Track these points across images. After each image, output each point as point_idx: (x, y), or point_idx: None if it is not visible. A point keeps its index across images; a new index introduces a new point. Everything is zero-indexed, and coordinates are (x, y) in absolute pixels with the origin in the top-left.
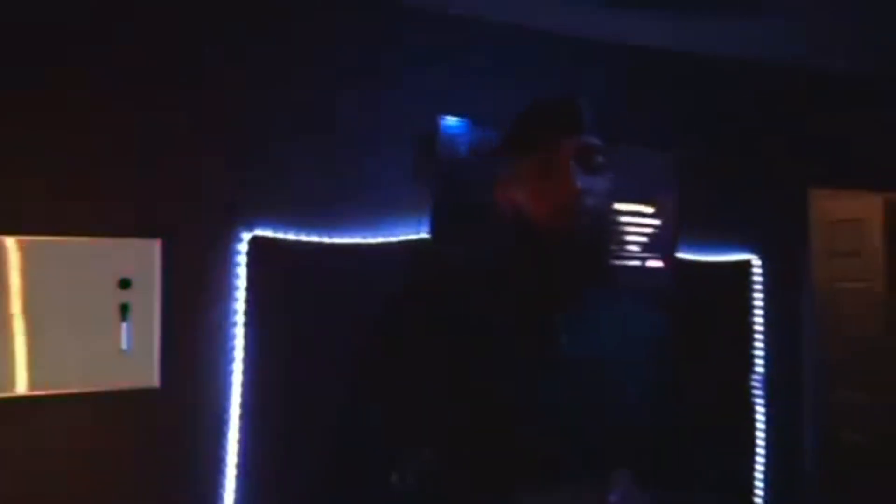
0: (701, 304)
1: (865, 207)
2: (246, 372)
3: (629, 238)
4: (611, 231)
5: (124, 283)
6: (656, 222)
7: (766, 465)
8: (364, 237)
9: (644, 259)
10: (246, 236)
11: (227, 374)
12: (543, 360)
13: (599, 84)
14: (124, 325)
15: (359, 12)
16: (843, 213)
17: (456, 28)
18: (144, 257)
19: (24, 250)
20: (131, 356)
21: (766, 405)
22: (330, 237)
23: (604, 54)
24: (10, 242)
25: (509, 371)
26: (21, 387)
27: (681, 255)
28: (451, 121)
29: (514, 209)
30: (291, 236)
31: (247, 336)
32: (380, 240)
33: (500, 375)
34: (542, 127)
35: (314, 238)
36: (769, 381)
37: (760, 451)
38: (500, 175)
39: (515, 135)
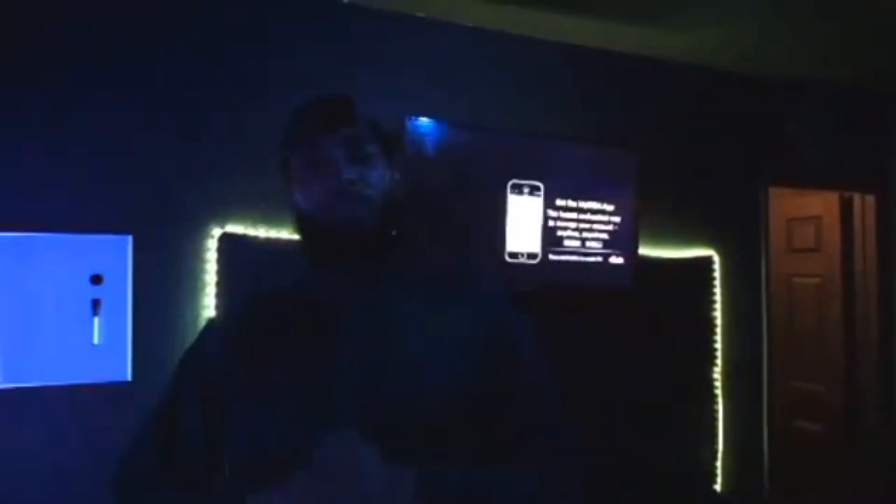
0: (662, 300)
1: (823, 204)
2: None
3: (590, 235)
4: (399, 219)
5: (96, 279)
6: (616, 220)
7: (725, 454)
8: None
9: (605, 256)
10: (216, 232)
11: None
12: (336, 364)
13: (561, 84)
14: (96, 319)
15: (326, 13)
16: (802, 210)
17: (424, 30)
18: (116, 253)
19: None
20: (103, 350)
21: (725, 396)
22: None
23: (566, 56)
24: None
25: (297, 383)
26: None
27: (641, 252)
28: (418, 120)
29: (295, 205)
30: (261, 232)
31: None
32: None
33: (286, 390)
34: (313, 123)
35: (284, 234)
36: (728, 372)
37: (720, 440)
38: (287, 174)
39: (290, 133)
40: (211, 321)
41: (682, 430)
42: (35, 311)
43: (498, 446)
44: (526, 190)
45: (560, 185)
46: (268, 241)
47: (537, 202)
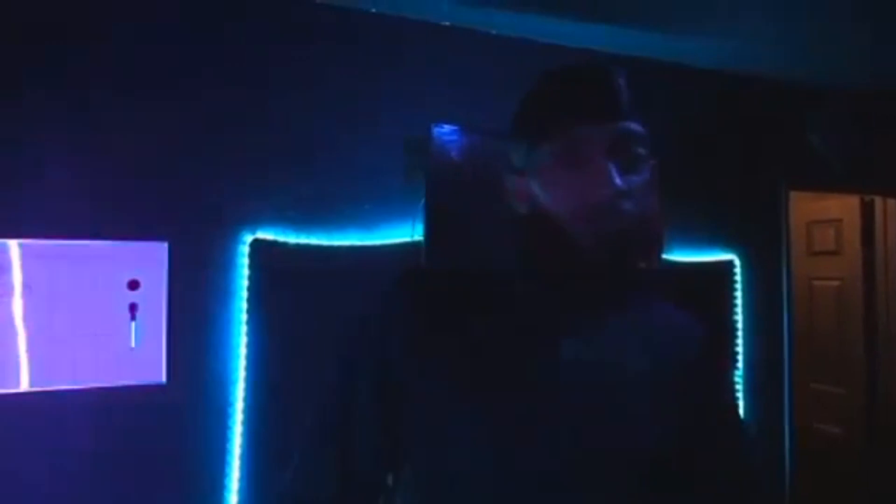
0: (685, 303)
1: (843, 207)
2: (249, 369)
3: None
4: (654, 238)
5: (133, 284)
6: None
7: None
8: (360, 240)
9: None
10: (248, 239)
11: (231, 371)
12: (550, 378)
13: None
14: (133, 324)
15: (356, 22)
16: (822, 213)
17: (448, 38)
18: (152, 259)
19: (41, 252)
20: (140, 354)
21: (747, 399)
22: (328, 240)
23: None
24: (26, 245)
25: (510, 388)
26: (32, 382)
27: (665, 256)
28: (443, 127)
29: (532, 205)
30: (291, 239)
31: (249, 334)
32: (375, 242)
33: (500, 392)
34: (565, 106)
35: (313, 241)
36: (750, 376)
37: None
38: (511, 163)
39: (531, 114)
40: (387, 309)
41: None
42: (76, 315)
43: None
44: None
45: None
46: (297, 247)
47: None
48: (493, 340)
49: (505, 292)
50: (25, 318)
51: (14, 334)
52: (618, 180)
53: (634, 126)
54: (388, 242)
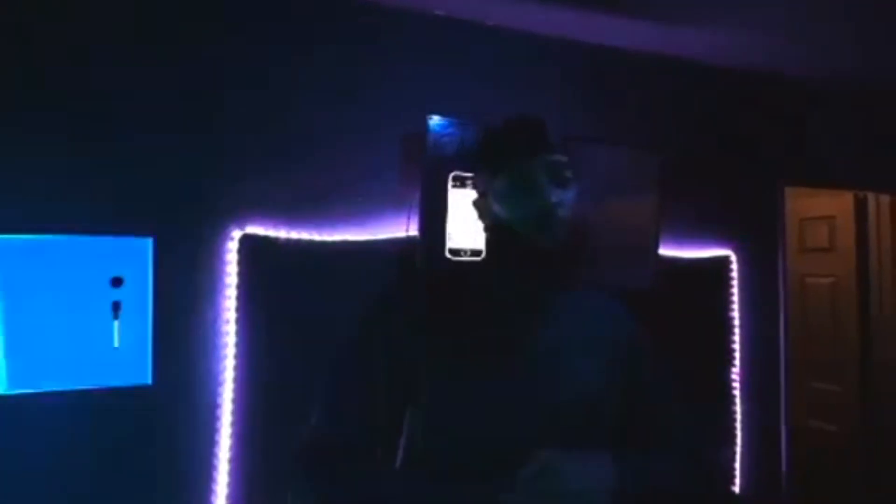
0: (682, 298)
1: (836, 204)
2: (238, 368)
3: (614, 235)
4: (580, 237)
5: (116, 282)
6: (639, 220)
7: (743, 454)
8: (352, 234)
9: (628, 255)
10: (236, 234)
11: (219, 370)
12: (516, 356)
13: (582, 85)
14: (116, 322)
15: (346, 14)
16: (815, 210)
17: (443, 29)
18: (137, 255)
19: (18, 248)
20: (124, 354)
21: (743, 396)
22: (319, 234)
23: (586, 57)
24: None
25: (485, 367)
26: (11, 384)
27: (662, 251)
28: (438, 120)
29: (493, 219)
30: (281, 234)
31: (238, 332)
32: (367, 237)
33: (476, 372)
34: (514, 144)
35: (303, 235)
36: (746, 373)
37: (738, 441)
38: (476, 189)
39: (488, 151)
40: (391, 295)
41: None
42: (55, 314)
43: (637, 440)
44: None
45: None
46: (289, 241)
47: None
48: (478, 318)
49: (484, 284)
50: (4, 318)
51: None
52: (552, 195)
53: (560, 157)
54: (382, 237)
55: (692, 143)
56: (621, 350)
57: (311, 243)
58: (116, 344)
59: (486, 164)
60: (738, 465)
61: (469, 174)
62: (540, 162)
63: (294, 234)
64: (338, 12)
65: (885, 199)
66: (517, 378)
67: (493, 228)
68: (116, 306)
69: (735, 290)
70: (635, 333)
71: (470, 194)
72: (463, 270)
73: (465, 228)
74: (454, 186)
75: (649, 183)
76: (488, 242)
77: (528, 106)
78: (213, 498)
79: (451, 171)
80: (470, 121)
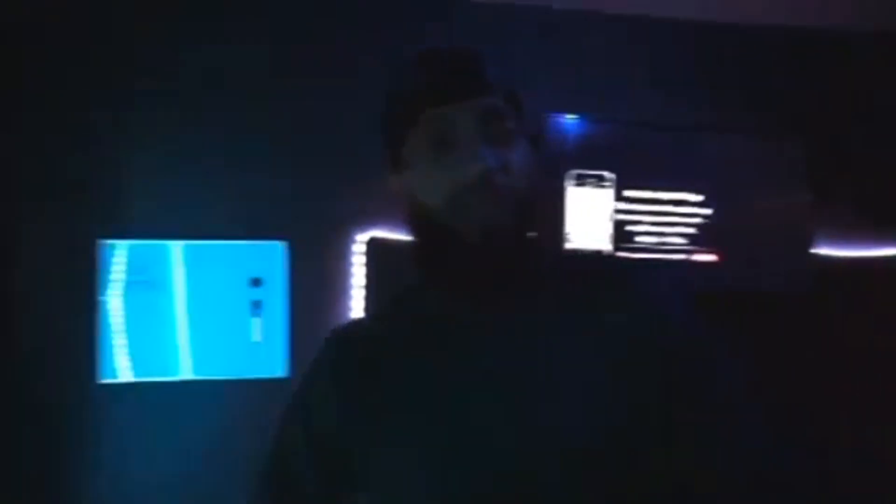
0: (848, 305)
1: None
2: None
3: (761, 234)
4: (533, 216)
5: (255, 282)
6: (789, 216)
7: None
8: None
9: (779, 256)
10: (363, 238)
11: None
12: (468, 387)
13: (705, 69)
14: (255, 319)
15: (463, 10)
16: None
17: (554, 21)
18: (273, 258)
19: (182, 253)
20: (262, 348)
21: None
22: None
23: (709, 37)
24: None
25: (434, 404)
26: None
27: (819, 250)
28: (560, 117)
29: (411, 204)
30: (404, 237)
31: None
32: None
33: (425, 409)
34: (433, 86)
35: None
36: None
37: None
38: (387, 164)
39: (393, 107)
40: (317, 360)
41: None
42: (207, 310)
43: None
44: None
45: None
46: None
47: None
48: (421, 373)
49: (420, 315)
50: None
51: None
52: (487, 157)
53: (497, 101)
54: None
55: (844, 125)
56: (641, 357)
57: None
58: (256, 339)
59: (392, 121)
60: None
61: (591, 172)
62: (466, 108)
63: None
64: (453, 9)
65: None
66: (469, 438)
67: (413, 218)
68: (256, 304)
69: None
70: (666, 331)
71: (590, 193)
72: (392, 314)
73: (585, 228)
74: (576, 185)
75: (797, 174)
76: (412, 247)
77: (650, 98)
78: None
79: (570, 168)
80: (587, 116)
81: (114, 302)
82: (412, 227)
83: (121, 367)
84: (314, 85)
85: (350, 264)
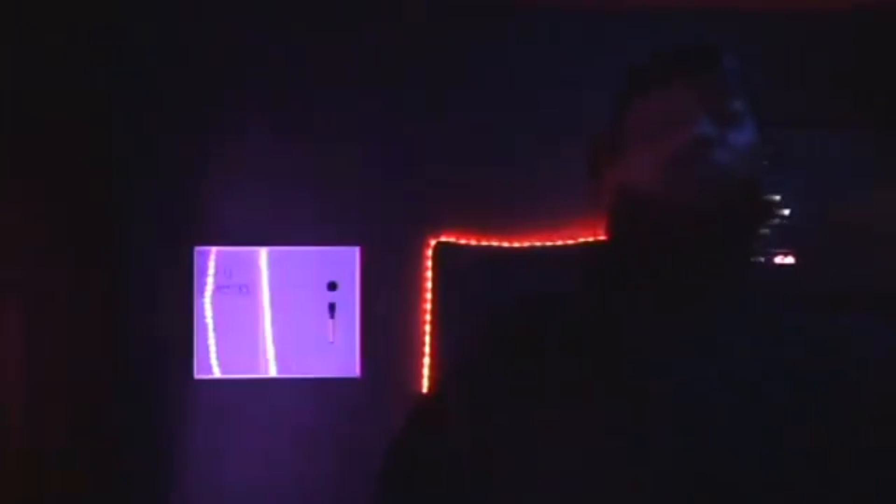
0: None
1: None
2: (433, 366)
3: (866, 234)
4: (762, 206)
5: (332, 286)
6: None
7: None
8: (541, 240)
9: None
10: (432, 242)
11: (419, 366)
12: (653, 398)
13: (795, 62)
14: (332, 321)
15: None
16: None
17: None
18: (348, 263)
19: (267, 258)
20: (337, 349)
21: None
22: (510, 241)
23: (807, 28)
24: (261, 252)
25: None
26: (270, 370)
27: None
28: None
29: (618, 192)
30: (473, 241)
31: (434, 332)
32: (558, 242)
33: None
34: (659, 69)
35: (494, 242)
36: None
37: None
38: (603, 155)
39: (627, 86)
40: (478, 334)
41: None
42: (288, 312)
43: None
44: None
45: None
46: (479, 248)
47: None
48: (593, 374)
49: (601, 315)
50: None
51: (261, 328)
52: (705, 127)
53: (724, 79)
54: (570, 242)
55: None
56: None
57: (500, 249)
58: (332, 339)
59: (619, 105)
60: None
61: None
62: (690, 84)
63: (484, 241)
64: (516, 13)
65: None
66: (649, 443)
67: (621, 208)
68: (332, 307)
69: None
70: (863, 344)
71: None
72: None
73: None
74: None
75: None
76: (612, 234)
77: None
78: None
79: None
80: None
81: (208, 304)
82: (617, 219)
83: (214, 364)
84: (394, 99)
85: (421, 268)
